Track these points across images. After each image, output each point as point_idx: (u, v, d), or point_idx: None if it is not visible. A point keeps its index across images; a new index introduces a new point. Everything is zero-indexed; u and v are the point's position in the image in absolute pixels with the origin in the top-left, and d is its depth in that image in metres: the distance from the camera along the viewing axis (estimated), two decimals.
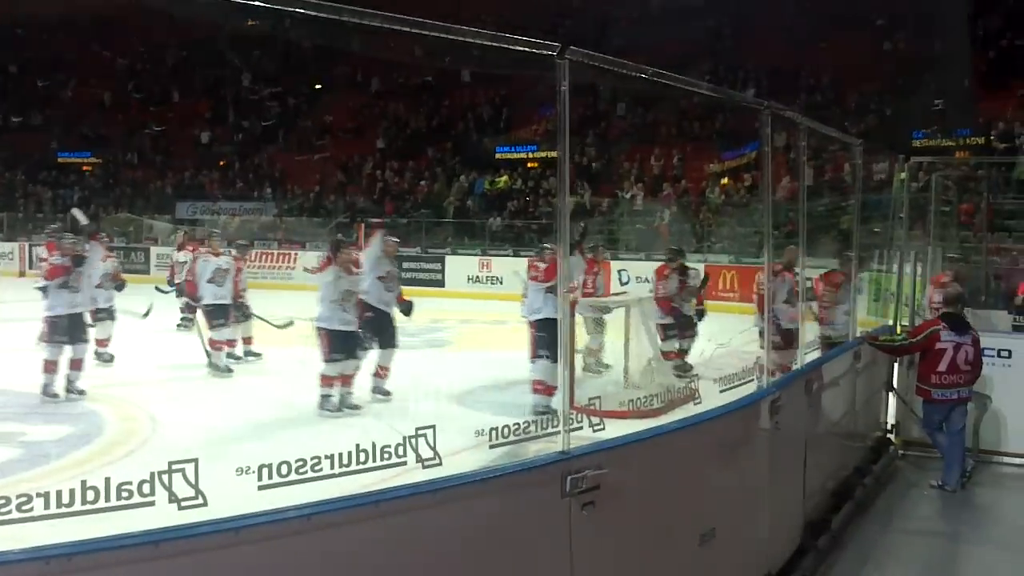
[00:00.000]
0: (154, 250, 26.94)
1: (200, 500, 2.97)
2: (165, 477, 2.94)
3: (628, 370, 10.23)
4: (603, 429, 4.24)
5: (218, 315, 11.83)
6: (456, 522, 3.54)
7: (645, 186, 27.07)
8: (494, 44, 3.83)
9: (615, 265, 22.03)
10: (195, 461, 2.99)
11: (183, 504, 2.95)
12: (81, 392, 10.12)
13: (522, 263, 22.23)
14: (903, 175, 11.59)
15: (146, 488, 2.92)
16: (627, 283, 20.64)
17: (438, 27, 3.62)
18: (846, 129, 18.99)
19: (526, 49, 3.88)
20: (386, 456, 3.53)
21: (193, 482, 2.98)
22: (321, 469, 3.34)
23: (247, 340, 12.82)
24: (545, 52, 3.91)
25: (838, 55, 29.10)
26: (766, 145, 6.17)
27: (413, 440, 3.59)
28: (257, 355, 12.76)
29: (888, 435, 9.70)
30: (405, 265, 24.65)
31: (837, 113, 26.06)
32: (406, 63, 31.33)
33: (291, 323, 12.35)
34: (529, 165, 29.68)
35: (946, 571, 6.73)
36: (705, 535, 4.79)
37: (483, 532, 3.64)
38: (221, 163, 35.78)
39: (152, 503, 2.92)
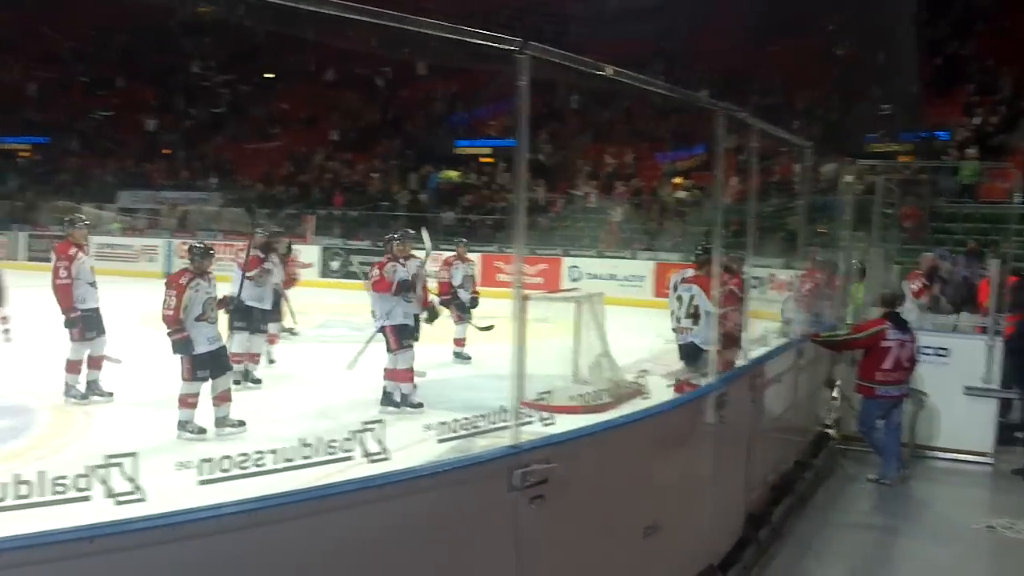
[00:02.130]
0: (94, 240, 26.44)
1: (138, 495, 2.90)
2: (102, 471, 2.87)
3: (578, 366, 10.29)
4: (553, 424, 4.26)
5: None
6: (402, 517, 3.52)
7: (599, 184, 27.22)
8: (454, 37, 3.81)
9: (567, 261, 22.15)
10: (134, 455, 2.92)
11: (120, 499, 2.88)
12: (110, 393, 9.67)
13: (474, 257, 22.29)
14: (849, 178, 11.79)
15: (82, 483, 2.84)
16: (578, 280, 20.75)
17: (396, 18, 3.59)
18: (795, 132, 19.24)
19: (487, 43, 3.85)
20: (331, 451, 3.50)
21: (131, 477, 2.91)
22: (264, 464, 3.28)
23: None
24: (506, 47, 3.88)
25: (789, 59, 29.44)
26: (719, 146, 6.24)
27: (360, 435, 3.57)
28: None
29: (828, 430, 9.87)
30: (354, 258, 24.58)
31: (787, 116, 26.39)
32: (362, 54, 31.12)
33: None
34: (483, 160, 29.69)
35: (882, 563, 6.89)
36: (649, 528, 4.84)
37: (430, 527, 3.63)
38: (167, 151, 35.23)
39: (88, 498, 2.84)
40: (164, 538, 2.84)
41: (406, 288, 9.46)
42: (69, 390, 9.46)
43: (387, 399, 9.49)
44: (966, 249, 15.61)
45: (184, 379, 8.26)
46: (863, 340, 8.69)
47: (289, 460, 3.37)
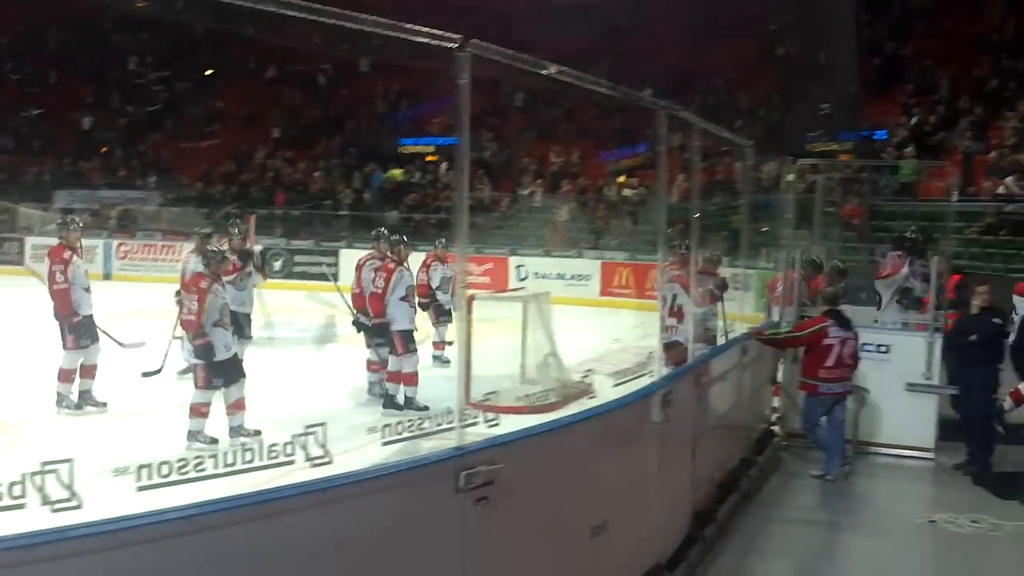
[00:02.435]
0: (29, 240, 25.75)
1: (75, 502, 2.83)
2: (37, 478, 2.80)
3: (524, 366, 10.26)
4: (498, 425, 4.24)
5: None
6: (346, 521, 3.47)
7: (544, 183, 27.25)
8: (394, 34, 3.76)
9: (513, 261, 22.14)
10: (70, 461, 2.85)
11: (57, 506, 2.81)
12: (104, 403, 9.27)
13: (415, 257, 22.12)
14: (791, 177, 11.92)
15: (16, 490, 2.77)
16: (525, 279, 20.73)
17: (335, 15, 3.53)
18: (738, 131, 19.44)
19: (427, 40, 3.81)
20: (273, 455, 3.44)
21: (68, 483, 2.83)
22: (204, 469, 3.24)
23: None
24: (446, 44, 3.85)
25: (731, 59, 29.74)
26: (662, 145, 6.25)
27: (302, 438, 3.51)
28: None
29: (772, 427, 9.97)
30: (297, 259, 24.31)
31: (729, 115, 26.67)
32: (304, 51, 30.78)
33: None
34: (428, 158, 29.54)
35: (826, 558, 6.96)
36: (597, 527, 4.84)
37: (374, 531, 3.58)
38: (103, 150, 34.53)
39: (23, 506, 2.77)
40: (102, 545, 2.77)
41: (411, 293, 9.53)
42: (62, 400, 9.02)
43: (390, 401, 9.45)
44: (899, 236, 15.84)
45: (198, 387, 7.93)
46: (805, 338, 8.78)
47: (230, 465, 3.31)
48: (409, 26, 3.80)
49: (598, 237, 23.81)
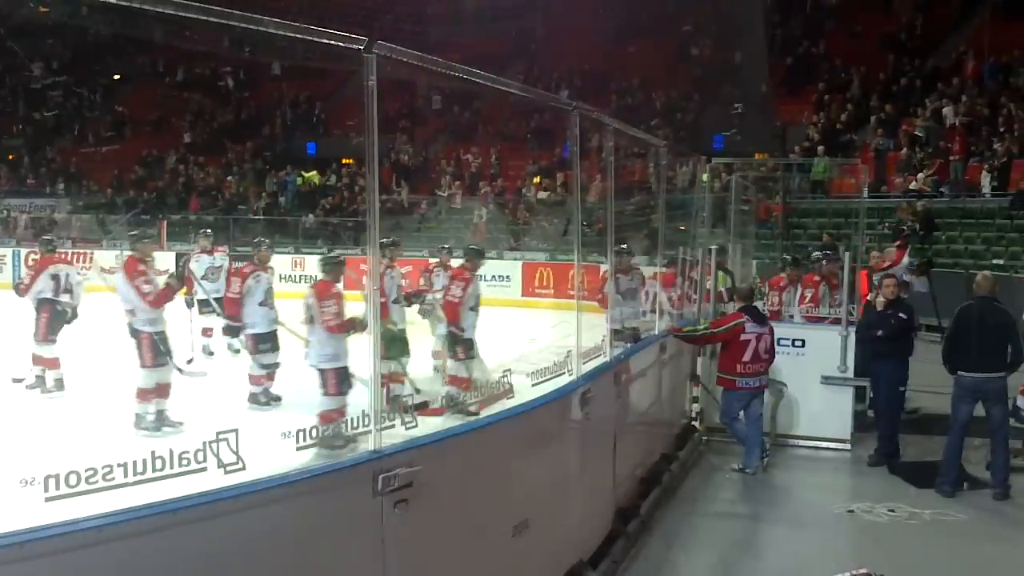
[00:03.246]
0: None
1: None
2: None
3: (446, 367, 10.20)
4: (416, 427, 4.19)
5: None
6: (262, 528, 3.42)
7: (463, 185, 27.22)
8: (299, 36, 3.71)
9: (434, 263, 22.00)
10: None
11: None
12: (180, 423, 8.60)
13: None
14: (706, 176, 12.08)
15: None
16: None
17: (241, 17, 3.46)
18: (654, 131, 19.68)
19: (333, 43, 3.77)
20: (184, 463, 3.35)
21: None
22: (113, 479, 3.15)
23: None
24: (352, 46, 3.81)
25: (647, 59, 30.10)
26: (575, 146, 6.29)
27: (214, 445, 3.43)
28: None
29: (693, 422, 10.09)
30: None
31: (646, 115, 26.98)
32: (215, 55, 30.29)
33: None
34: (344, 161, 29.29)
35: (747, 549, 7.04)
36: (519, 526, 4.82)
37: (291, 536, 3.52)
38: (10, 157, 33.53)
39: None
40: (10, 557, 2.73)
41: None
42: (140, 421, 8.48)
43: (254, 398, 9.54)
44: (822, 243, 16.21)
45: (329, 394, 7.70)
46: (722, 334, 8.90)
47: (140, 474, 3.22)
48: (315, 28, 3.76)
49: (518, 238, 23.87)
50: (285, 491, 3.49)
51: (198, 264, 12.31)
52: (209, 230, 13.44)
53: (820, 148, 23.45)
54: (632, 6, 28.88)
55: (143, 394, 8.49)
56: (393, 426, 4.03)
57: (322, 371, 7.85)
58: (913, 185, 21.83)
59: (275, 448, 3.78)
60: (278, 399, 9.70)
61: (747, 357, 8.74)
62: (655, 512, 7.39)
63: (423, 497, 3.98)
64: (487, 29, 29.74)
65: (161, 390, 8.57)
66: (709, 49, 30.35)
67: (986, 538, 7.29)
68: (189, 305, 12.12)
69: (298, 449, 3.81)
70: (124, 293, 8.59)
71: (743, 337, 8.73)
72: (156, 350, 8.54)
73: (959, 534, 7.27)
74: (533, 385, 5.32)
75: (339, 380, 7.73)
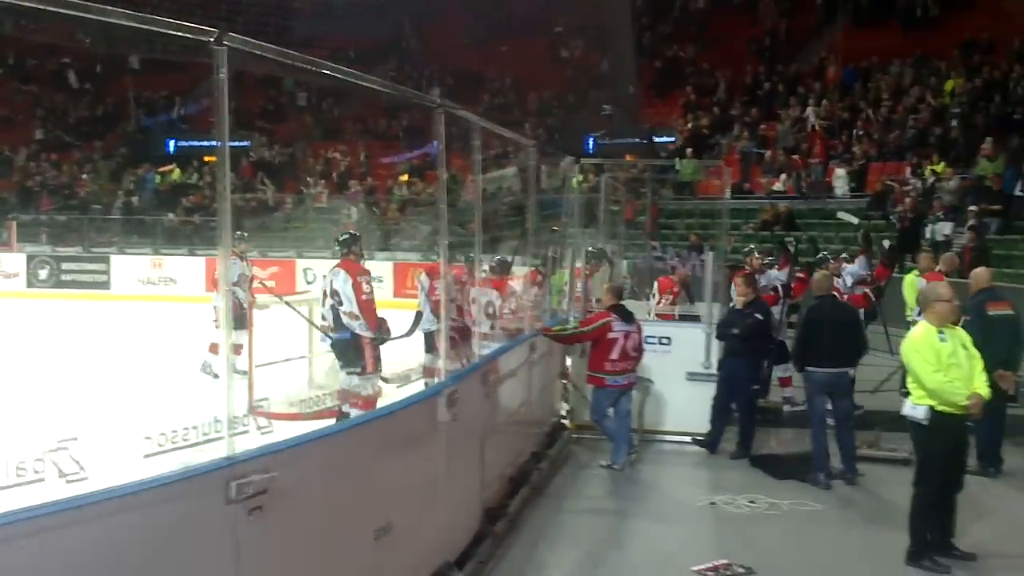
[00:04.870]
0: None
1: None
2: None
3: (312, 370, 10.01)
4: (271, 431, 4.06)
5: None
6: (107, 540, 3.22)
7: (330, 183, 26.81)
8: (146, 28, 3.55)
9: (301, 263, 21.64)
10: None
11: None
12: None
13: (198, 262, 21.24)
14: (577, 177, 12.19)
15: None
16: (313, 282, 20.27)
17: (87, 8, 3.27)
18: (526, 132, 19.78)
19: (181, 34, 3.63)
20: (21, 473, 3.14)
21: None
22: None
23: None
24: (202, 38, 3.68)
25: (519, 59, 30.27)
26: (441, 144, 6.24)
27: (53, 454, 3.23)
28: None
29: (563, 420, 10.15)
30: (65, 266, 22.84)
31: (519, 115, 27.14)
32: (66, 47, 29.01)
33: None
34: (206, 159, 28.48)
35: (613, 545, 7.09)
36: (381, 529, 4.73)
37: (139, 548, 3.34)
38: None
39: None
40: None
41: None
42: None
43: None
44: (689, 243, 16.58)
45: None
46: (590, 333, 8.98)
47: None
48: (163, 20, 3.60)
49: (389, 237, 23.65)
50: (134, 501, 3.29)
51: (233, 267, 11.70)
52: (244, 232, 12.79)
53: (688, 150, 24.05)
54: (505, 6, 29.00)
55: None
56: (247, 431, 3.89)
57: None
58: (776, 187, 22.62)
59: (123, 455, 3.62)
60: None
61: (615, 355, 8.84)
62: (523, 511, 7.39)
63: (280, 504, 3.85)
64: (358, 26, 29.37)
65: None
66: (580, 51, 30.75)
67: (840, 525, 7.57)
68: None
69: (145, 457, 3.64)
70: None
71: (611, 335, 8.83)
72: None
73: (815, 522, 7.53)
74: (398, 387, 5.27)
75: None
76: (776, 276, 11.26)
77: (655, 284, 12.13)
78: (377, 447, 4.89)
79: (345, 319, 8.10)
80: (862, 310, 10.78)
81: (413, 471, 5.33)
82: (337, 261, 8.51)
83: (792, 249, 12.10)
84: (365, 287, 8.00)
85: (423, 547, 5.45)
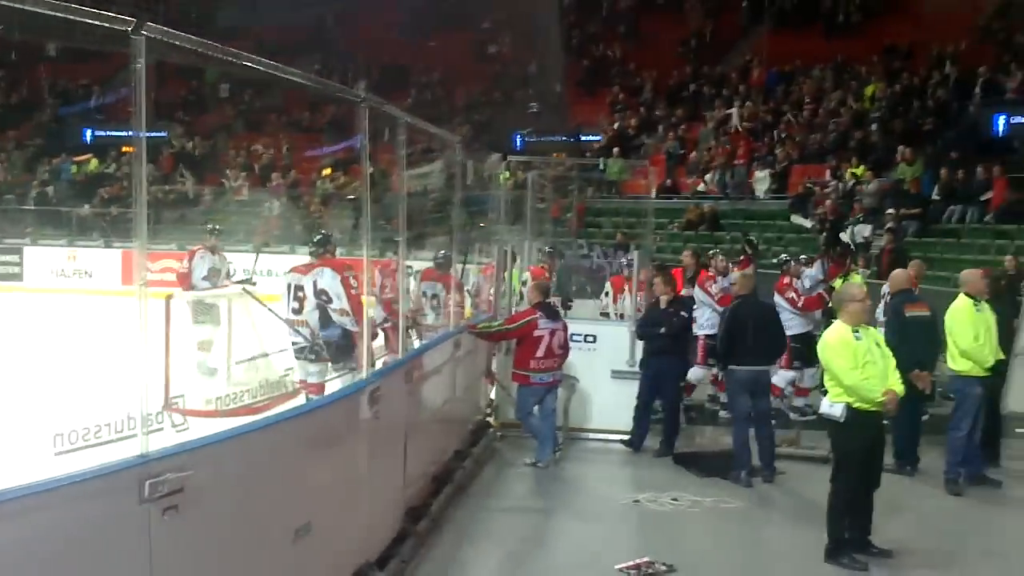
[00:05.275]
0: None
1: None
2: None
3: (231, 367, 9.79)
4: (187, 429, 3.95)
5: None
6: (16, 540, 3.11)
7: (252, 176, 26.36)
8: (60, 15, 3.41)
9: None
10: None
11: None
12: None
13: (115, 254, 20.67)
14: (504, 174, 12.17)
15: None
16: (232, 276, 19.86)
17: None
18: (454, 128, 19.68)
19: (97, 23, 3.52)
20: None
21: None
22: None
23: None
24: (119, 27, 3.58)
25: (447, 54, 30.11)
26: (365, 138, 6.17)
27: None
28: None
29: (488, 418, 10.12)
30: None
31: (447, 111, 26.98)
32: None
33: None
34: (124, 149, 27.76)
35: (537, 543, 7.09)
36: (300, 530, 4.64)
37: (51, 548, 3.24)
38: None
39: None
40: None
41: None
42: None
43: None
44: (615, 242, 16.67)
45: None
46: (516, 330, 8.96)
47: None
48: (79, 7, 3.47)
49: (311, 232, 23.29)
50: (41, 500, 3.18)
51: (201, 262, 11.64)
52: (215, 226, 12.75)
53: (614, 150, 24.17)
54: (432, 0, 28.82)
55: None
56: (162, 429, 3.78)
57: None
58: (701, 187, 22.89)
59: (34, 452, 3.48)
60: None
61: (541, 353, 8.83)
62: (447, 510, 7.35)
63: (196, 503, 3.76)
64: (283, 17, 28.92)
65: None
66: (508, 48, 30.71)
67: (761, 523, 7.73)
68: None
69: (56, 455, 3.51)
70: None
71: (536, 333, 8.82)
72: None
73: (736, 520, 7.64)
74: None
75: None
76: (812, 274, 11.32)
77: (608, 283, 12.17)
78: (297, 445, 4.80)
79: (335, 316, 7.98)
80: (818, 312, 10.97)
81: (334, 469, 5.25)
82: (309, 260, 8.42)
83: (750, 250, 12.29)
84: (353, 282, 7.93)
85: (344, 547, 5.37)
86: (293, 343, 8.21)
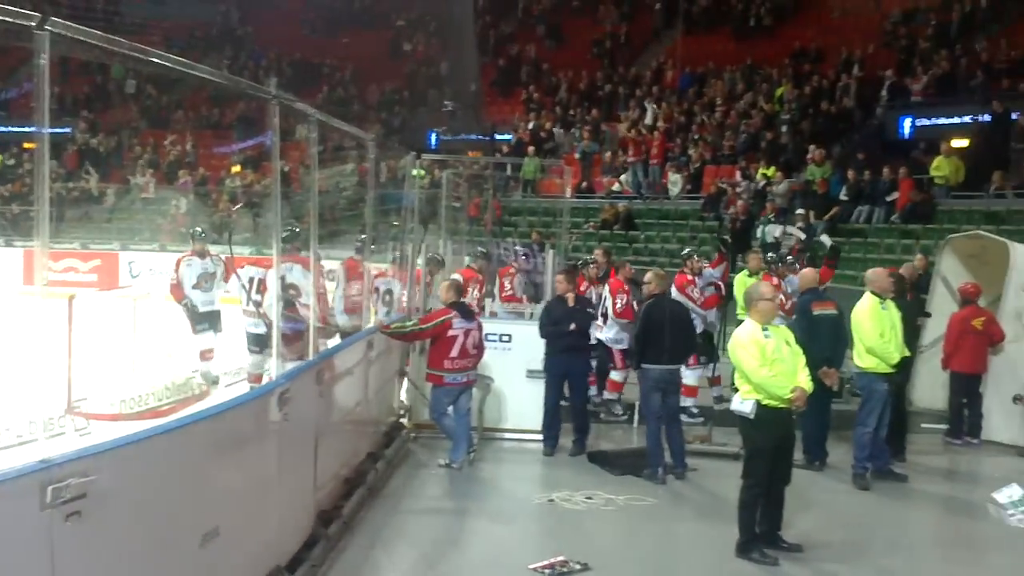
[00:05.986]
0: None
1: None
2: None
3: (137, 369, 9.58)
4: (90, 433, 3.84)
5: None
6: None
7: (158, 173, 25.76)
8: None
9: (125, 256, 20.67)
10: None
11: None
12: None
13: (16, 253, 20.00)
14: (419, 172, 12.13)
15: None
16: (138, 276, 19.40)
17: None
18: (367, 126, 19.52)
19: (1, 18, 3.40)
20: None
21: None
22: None
23: None
24: (23, 22, 3.49)
25: (360, 51, 29.88)
26: (275, 136, 6.11)
27: None
28: None
29: (401, 419, 10.06)
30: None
31: (360, 109, 26.76)
32: None
33: None
34: (27, 145, 26.90)
35: (451, 544, 7.07)
36: (208, 534, 4.55)
37: None
38: None
39: None
40: None
41: None
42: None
43: None
44: (531, 240, 16.74)
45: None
46: (430, 330, 8.89)
47: None
48: None
49: (221, 230, 22.89)
50: None
51: (189, 269, 10.96)
52: (201, 229, 12.14)
53: (530, 148, 24.27)
54: None
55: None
56: (64, 433, 3.66)
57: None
58: (615, 187, 23.13)
59: None
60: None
61: (455, 353, 8.80)
62: (359, 512, 7.27)
63: (100, 508, 3.67)
64: (193, 11, 28.36)
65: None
66: (422, 45, 30.62)
67: (674, 519, 7.84)
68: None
69: None
70: None
71: (451, 333, 8.78)
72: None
73: (650, 517, 7.74)
74: (227, 386, 5.08)
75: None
76: (711, 274, 11.44)
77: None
78: (204, 448, 4.70)
79: (302, 311, 7.99)
80: (714, 309, 11.15)
81: (242, 473, 5.16)
82: (272, 256, 8.27)
83: (724, 249, 12.43)
84: (322, 279, 7.89)
85: (253, 551, 5.28)
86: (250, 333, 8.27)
